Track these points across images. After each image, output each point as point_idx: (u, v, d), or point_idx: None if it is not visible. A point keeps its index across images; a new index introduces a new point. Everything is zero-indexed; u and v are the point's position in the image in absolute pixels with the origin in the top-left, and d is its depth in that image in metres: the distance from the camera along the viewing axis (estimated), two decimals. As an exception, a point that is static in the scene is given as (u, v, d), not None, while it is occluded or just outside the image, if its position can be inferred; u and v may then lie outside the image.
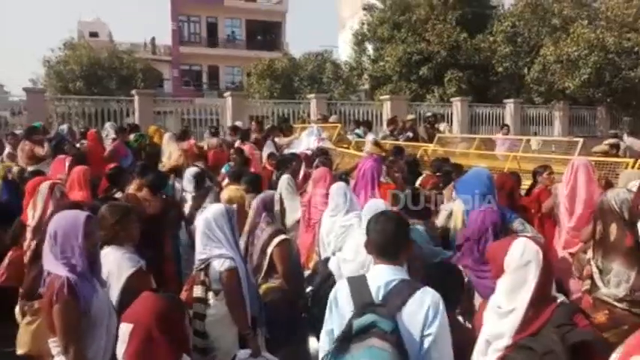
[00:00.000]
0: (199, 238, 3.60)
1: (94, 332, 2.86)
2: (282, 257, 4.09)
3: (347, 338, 2.06)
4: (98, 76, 20.94)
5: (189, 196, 5.97)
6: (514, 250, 2.43)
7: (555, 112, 19.83)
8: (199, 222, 3.64)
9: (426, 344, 2.16)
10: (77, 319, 2.80)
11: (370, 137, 10.36)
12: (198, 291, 3.57)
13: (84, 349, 2.82)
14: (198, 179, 5.94)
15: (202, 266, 3.55)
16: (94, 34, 36.02)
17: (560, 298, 2.42)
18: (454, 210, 4.23)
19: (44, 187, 4.27)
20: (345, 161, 8.60)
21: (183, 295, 3.78)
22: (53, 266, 2.86)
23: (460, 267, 3.71)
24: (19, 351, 3.80)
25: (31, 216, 4.22)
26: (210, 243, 3.53)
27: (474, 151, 10.43)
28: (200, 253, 3.56)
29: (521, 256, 2.38)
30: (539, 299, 2.33)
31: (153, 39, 38.27)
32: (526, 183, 7.17)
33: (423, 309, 2.18)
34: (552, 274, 2.45)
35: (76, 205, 4.06)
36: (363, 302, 2.22)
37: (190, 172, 6.14)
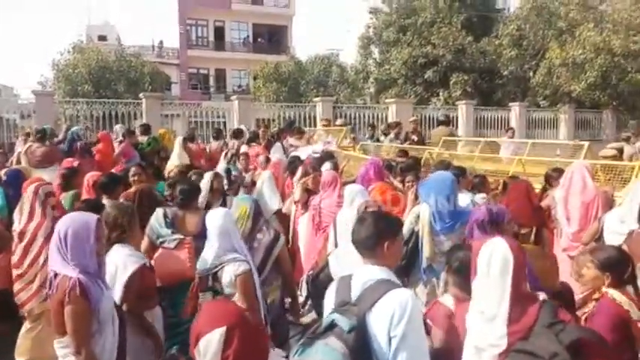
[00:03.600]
0: (211, 242, 3.56)
1: (102, 332, 2.91)
2: (287, 258, 4.34)
3: (316, 335, 2.09)
4: (106, 79, 21.07)
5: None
6: (483, 253, 2.40)
7: (561, 115, 19.78)
8: (209, 225, 3.60)
9: (393, 346, 2.09)
10: (89, 319, 2.85)
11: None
12: (206, 297, 3.55)
13: (95, 349, 2.87)
14: (229, 174, 6.69)
15: (212, 272, 3.53)
16: (102, 38, 36.28)
17: (542, 295, 2.38)
18: (422, 213, 4.13)
19: (30, 190, 4.17)
20: (350, 164, 8.65)
21: (189, 306, 3.72)
22: (62, 267, 2.89)
23: None
24: (19, 359, 3.83)
25: (17, 220, 4.15)
26: (222, 247, 3.52)
27: (479, 154, 10.47)
28: (213, 259, 3.52)
29: (489, 259, 2.36)
30: (519, 298, 2.30)
31: (161, 42, 38.51)
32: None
33: (389, 310, 2.10)
34: (524, 272, 2.40)
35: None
36: (339, 301, 2.24)
37: (221, 168, 6.87)
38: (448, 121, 13.77)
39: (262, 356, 2.12)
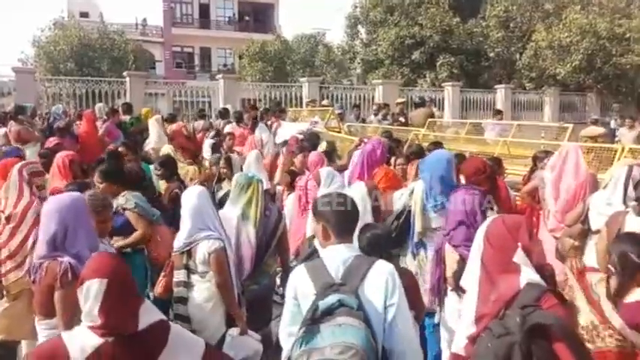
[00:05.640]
0: (185, 220, 3.56)
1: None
2: (287, 237, 4.46)
3: (315, 320, 2.07)
4: (89, 57, 20.69)
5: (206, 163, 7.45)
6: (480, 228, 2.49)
7: (546, 97, 19.93)
8: (184, 204, 3.60)
9: (390, 314, 2.21)
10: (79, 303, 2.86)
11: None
12: (180, 275, 3.56)
13: None
14: (214, 148, 7.26)
15: (185, 249, 3.53)
16: (84, 14, 35.47)
17: (529, 274, 2.25)
18: (415, 190, 4.23)
19: (14, 171, 4.04)
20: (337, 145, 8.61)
21: (162, 281, 3.77)
22: (51, 251, 2.86)
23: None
24: None
25: (3, 201, 4.03)
26: (196, 225, 3.51)
27: (465, 135, 10.51)
28: (187, 237, 3.52)
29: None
30: (494, 273, 2.28)
31: (144, 20, 37.80)
32: (516, 168, 7.27)
33: (382, 281, 2.23)
34: (509, 249, 2.30)
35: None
36: (324, 283, 2.21)
37: (209, 142, 7.58)
38: (424, 103, 13.81)
39: (134, 312, 2.19)
